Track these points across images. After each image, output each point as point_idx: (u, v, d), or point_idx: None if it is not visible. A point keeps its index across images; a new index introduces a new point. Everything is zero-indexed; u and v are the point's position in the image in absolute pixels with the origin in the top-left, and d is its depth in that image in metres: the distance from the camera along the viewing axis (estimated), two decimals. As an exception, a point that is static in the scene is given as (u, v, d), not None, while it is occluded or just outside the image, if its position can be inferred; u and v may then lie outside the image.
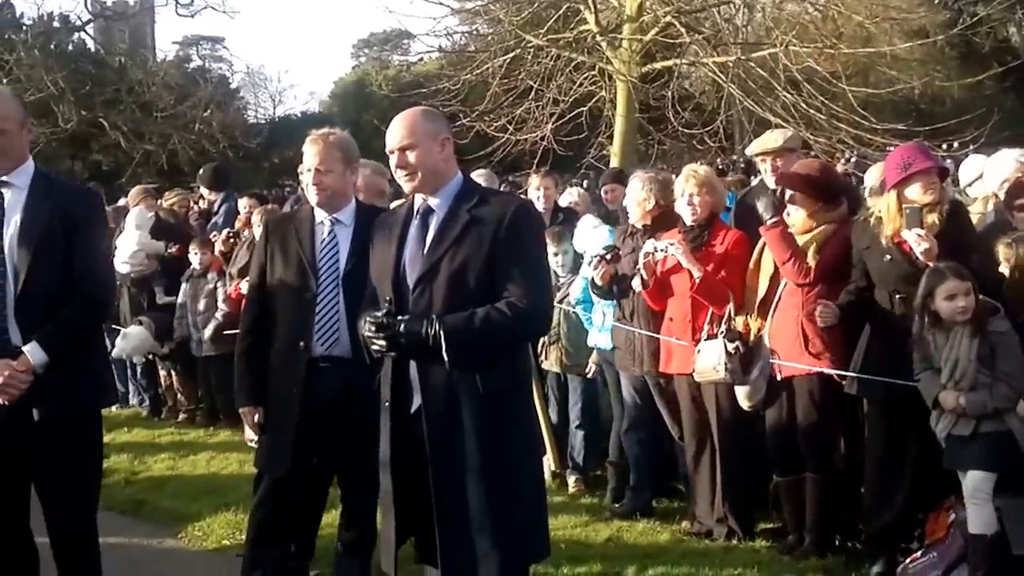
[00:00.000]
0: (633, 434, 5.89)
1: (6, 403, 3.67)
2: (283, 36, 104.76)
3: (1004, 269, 4.59)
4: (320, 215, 4.36)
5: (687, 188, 5.41)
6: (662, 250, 5.31)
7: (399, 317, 3.33)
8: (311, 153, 4.32)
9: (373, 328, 3.32)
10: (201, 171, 11.03)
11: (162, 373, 9.04)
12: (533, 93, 16.90)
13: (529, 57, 17.14)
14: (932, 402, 4.41)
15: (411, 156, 3.45)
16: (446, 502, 3.33)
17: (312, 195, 4.34)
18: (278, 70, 73.24)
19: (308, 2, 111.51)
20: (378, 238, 3.68)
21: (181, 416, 8.76)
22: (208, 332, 8.17)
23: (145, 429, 8.43)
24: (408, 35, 42.40)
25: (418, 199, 3.54)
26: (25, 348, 3.70)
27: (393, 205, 7.39)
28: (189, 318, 8.44)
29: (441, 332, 3.26)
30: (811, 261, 4.94)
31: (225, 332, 8.03)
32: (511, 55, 17.01)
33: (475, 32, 22.18)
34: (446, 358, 3.27)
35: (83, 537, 3.94)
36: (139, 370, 9.19)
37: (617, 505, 5.87)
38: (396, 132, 3.50)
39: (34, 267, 3.73)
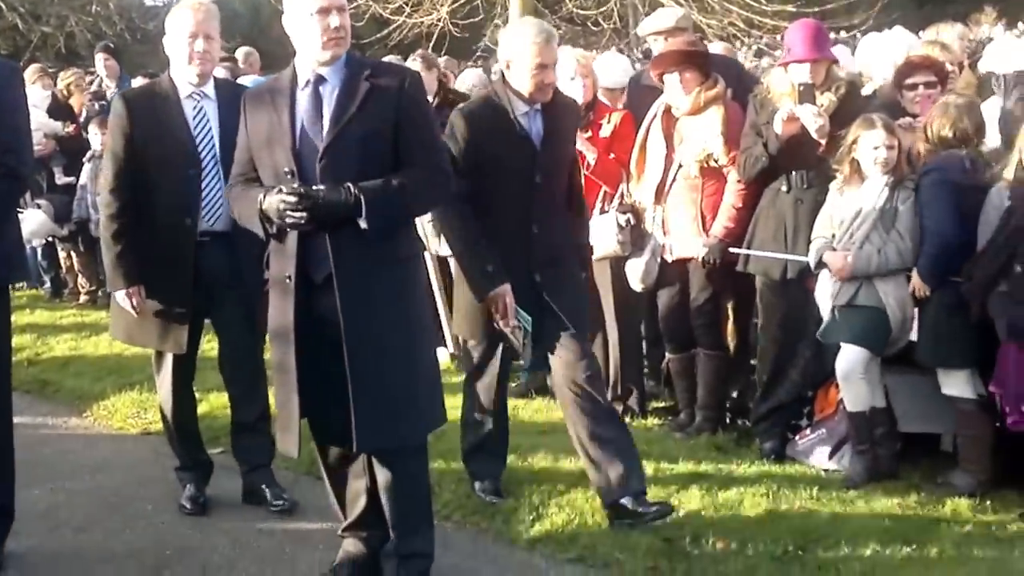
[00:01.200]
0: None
1: None
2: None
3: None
4: (187, 89, 4.17)
5: (575, 69, 5.32)
6: None
7: (316, 188, 3.25)
8: (196, 20, 4.13)
9: (292, 199, 3.21)
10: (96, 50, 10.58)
11: (62, 255, 8.83)
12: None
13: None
14: (816, 263, 4.48)
15: (346, 17, 3.35)
16: (360, 371, 3.29)
17: (195, 66, 4.15)
18: (178, -48, 69.31)
19: None
20: (255, 110, 3.50)
21: (83, 298, 8.60)
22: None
23: (47, 311, 8.30)
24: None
25: (304, 70, 3.39)
26: None
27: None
28: (89, 199, 8.12)
29: (361, 199, 3.21)
30: (721, 145, 4.93)
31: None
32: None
33: None
34: (364, 225, 3.23)
35: None
36: (39, 252, 8.94)
37: (513, 385, 5.88)
38: None
39: None
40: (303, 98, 3.38)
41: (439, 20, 15.95)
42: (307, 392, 3.39)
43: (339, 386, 3.30)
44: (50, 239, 8.64)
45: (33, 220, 8.20)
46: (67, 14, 27.39)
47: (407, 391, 3.37)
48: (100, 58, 9.89)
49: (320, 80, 3.37)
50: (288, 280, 3.37)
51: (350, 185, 3.23)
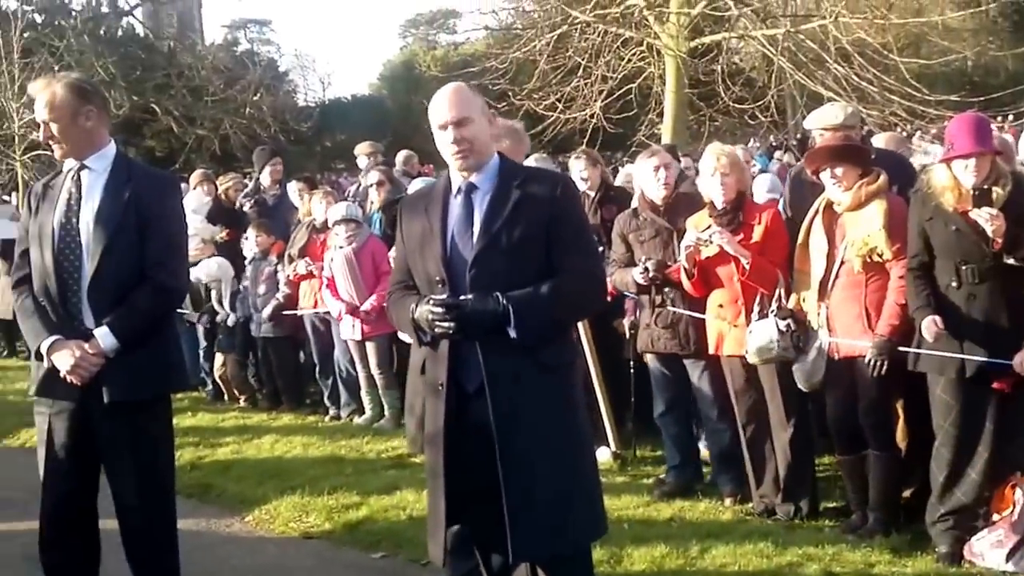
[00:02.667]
0: (669, 415, 5.90)
1: (77, 384, 3.73)
2: (330, 17, 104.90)
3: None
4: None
5: (717, 165, 5.33)
6: (706, 240, 5.25)
7: (463, 297, 3.30)
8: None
9: (439, 310, 3.27)
10: (256, 152, 10.91)
11: (218, 360, 9.05)
12: (581, 70, 16.79)
13: (576, 34, 17.02)
14: None
15: (466, 130, 3.37)
16: (513, 476, 3.29)
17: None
18: (326, 52, 73.54)
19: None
20: (410, 217, 3.60)
21: (243, 401, 8.83)
22: (267, 312, 8.26)
23: (209, 414, 8.46)
24: (454, 14, 42.63)
25: (456, 177, 3.46)
26: (96, 332, 3.74)
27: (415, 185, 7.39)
28: (250, 300, 8.54)
29: (510, 308, 3.23)
30: (884, 239, 4.85)
31: (284, 313, 8.20)
32: (558, 32, 16.92)
33: (521, 10, 22.11)
34: (514, 335, 3.24)
35: (158, 520, 3.95)
36: (202, 355, 9.27)
37: (664, 485, 5.85)
38: (446, 106, 3.39)
39: (108, 250, 3.78)
40: (455, 206, 3.44)
41: (592, 115, 16.20)
42: (461, 499, 3.40)
43: (495, 494, 3.30)
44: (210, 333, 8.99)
45: (208, 266, 8.65)
46: (221, 117, 28.77)
47: (563, 500, 3.33)
48: (272, 163, 9.96)
49: (472, 188, 3.43)
50: (440, 387, 3.41)
51: (499, 294, 3.25)
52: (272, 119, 28.62)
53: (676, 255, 5.51)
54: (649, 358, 5.95)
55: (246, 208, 9.60)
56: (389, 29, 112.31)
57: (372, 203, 8.46)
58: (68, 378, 3.77)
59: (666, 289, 5.68)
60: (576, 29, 16.93)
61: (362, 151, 10.72)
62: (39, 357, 3.83)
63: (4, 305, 11.82)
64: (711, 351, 5.50)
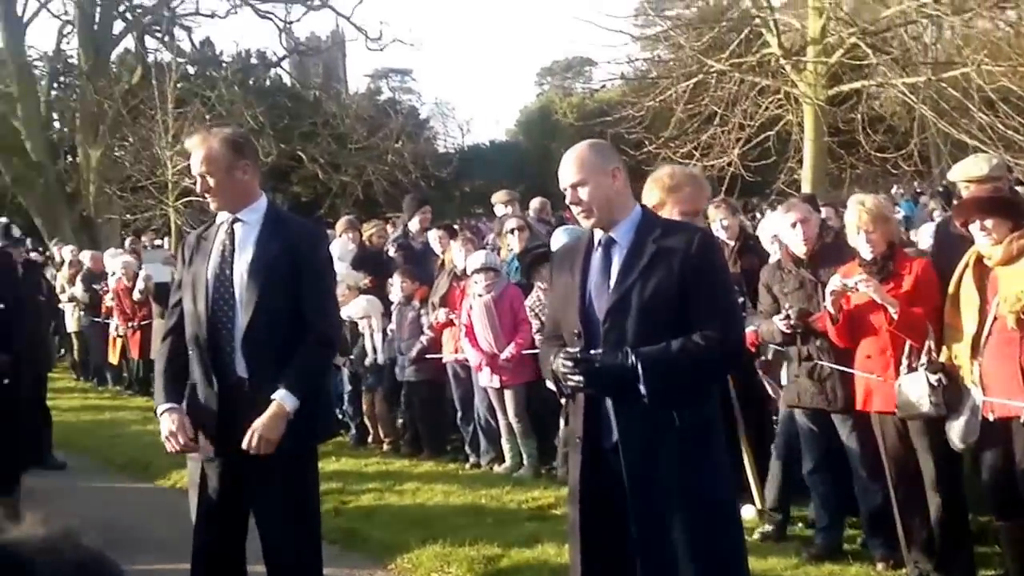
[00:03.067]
0: (818, 474, 5.74)
1: (259, 451, 3.79)
2: (469, 65, 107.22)
3: None
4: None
5: (860, 223, 5.21)
6: (852, 287, 5.13)
7: (593, 351, 3.34)
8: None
9: (570, 363, 3.33)
10: (406, 200, 11.15)
11: (366, 400, 9.18)
12: (718, 118, 16.70)
13: (712, 82, 16.96)
14: None
15: (583, 192, 3.47)
16: (647, 537, 3.30)
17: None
18: (465, 99, 74.99)
19: (491, 31, 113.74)
20: (558, 270, 3.72)
21: (385, 446, 8.94)
22: (411, 355, 8.40)
23: (352, 458, 8.56)
24: (590, 62, 42.86)
25: (597, 231, 3.54)
26: (277, 396, 3.80)
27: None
28: (396, 344, 8.69)
29: (638, 365, 3.24)
30: None
31: (427, 357, 8.32)
32: (694, 80, 16.87)
33: (657, 58, 22.16)
34: (643, 391, 3.25)
35: (306, 567, 4.04)
36: (345, 398, 9.43)
37: (813, 547, 5.68)
38: (566, 169, 3.53)
39: (262, 301, 3.88)
40: (595, 260, 3.52)
41: (730, 163, 16.06)
42: (601, 556, 3.41)
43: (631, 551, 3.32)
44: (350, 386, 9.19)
45: (358, 303, 8.87)
46: (364, 163, 29.61)
47: (700, 562, 3.30)
48: (422, 211, 10.22)
49: (610, 242, 3.49)
50: (578, 441, 3.47)
51: (628, 350, 3.27)
52: (413, 165, 29.32)
53: (821, 307, 5.40)
54: (797, 413, 5.82)
55: (392, 253, 9.82)
56: (526, 76, 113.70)
57: (510, 250, 8.57)
58: (166, 444, 3.95)
59: (817, 341, 5.54)
60: (712, 77, 16.86)
61: (499, 199, 10.89)
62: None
63: (157, 348, 12.38)
64: (859, 407, 5.35)
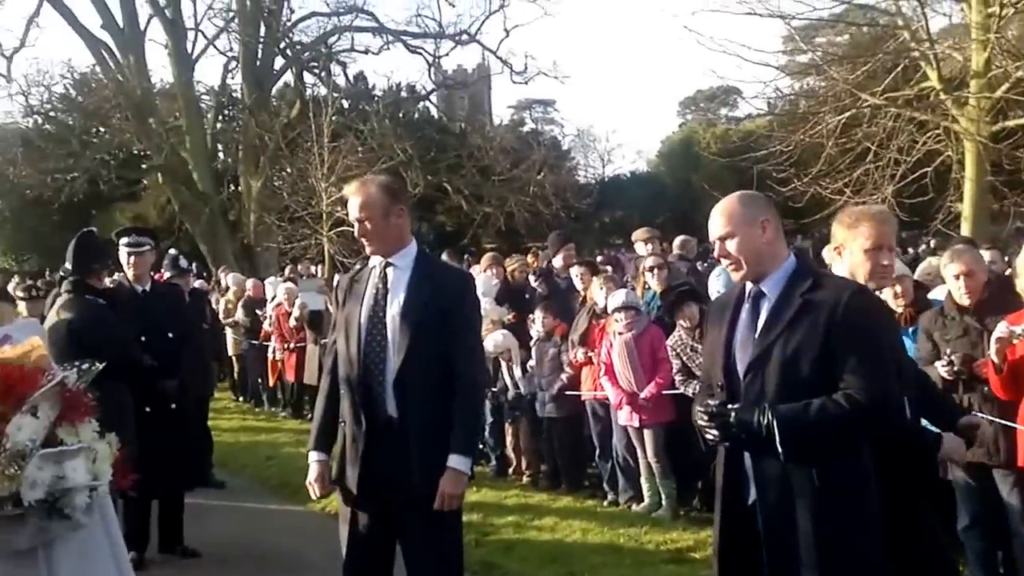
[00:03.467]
0: (974, 530, 5.53)
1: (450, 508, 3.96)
2: (610, 96, 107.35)
3: None
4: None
5: None
6: (1020, 335, 4.93)
7: (730, 406, 3.31)
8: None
9: (705, 417, 3.32)
10: (551, 236, 11.21)
11: (509, 435, 9.26)
12: (872, 154, 16.13)
13: (866, 116, 16.44)
14: None
15: (731, 246, 3.45)
16: None
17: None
18: (606, 130, 75.35)
19: (634, 62, 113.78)
20: (710, 321, 3.71)
21: (525, 478, 8.97)
22: (552, 391, 8.47)
23: (492, 490, 8.60)
24: (735, 91, 42.43)
25: (749, 283, 3.50)
26: (452, 463, 3.93)
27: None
28: (536, 380, 8.77)
29: (775, 422, 3.18)
30: None
31: (567, 394, 8.38)
32: (846, 115, 16.37)
33: (806, 88, 21.72)
34: (779, 449, 3.19)
35: None
36: (487, 429, 9.47)
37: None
38: (715, 222, 3.51)
39: (413, 344, 3.99)
40: (744, 312, 3.49)
41: (884, 200, 15.45)
42: None
43: None
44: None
45: (495, 337, 8.99)
46: (507, 195, 29.98)
47: None
48: (567, 248, 10.28)
49: (759, 295, 3.46)
50: (719, 494, 3.46)
51: (766, 406, 3.22)
52: (554, 196, 29.55)
53: (985, 355, 5.19)
54: (953, 467, 5.63)
55: (537, 288, 9.93)
56: (668, 106, 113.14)
57: (647, 288, 8.57)
58: (309, 489, 4.19)
59: (979, 392, 5.35)
60: (866, 112, 16.31)
61: (639, 237, 10.88)
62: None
63: (311, 372, 12.83)
64: (1021, 462, 5.15)
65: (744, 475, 3.39)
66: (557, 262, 10.13)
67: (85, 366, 2.73)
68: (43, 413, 2.64)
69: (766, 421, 3.19)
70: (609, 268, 12.44)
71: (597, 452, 8.36)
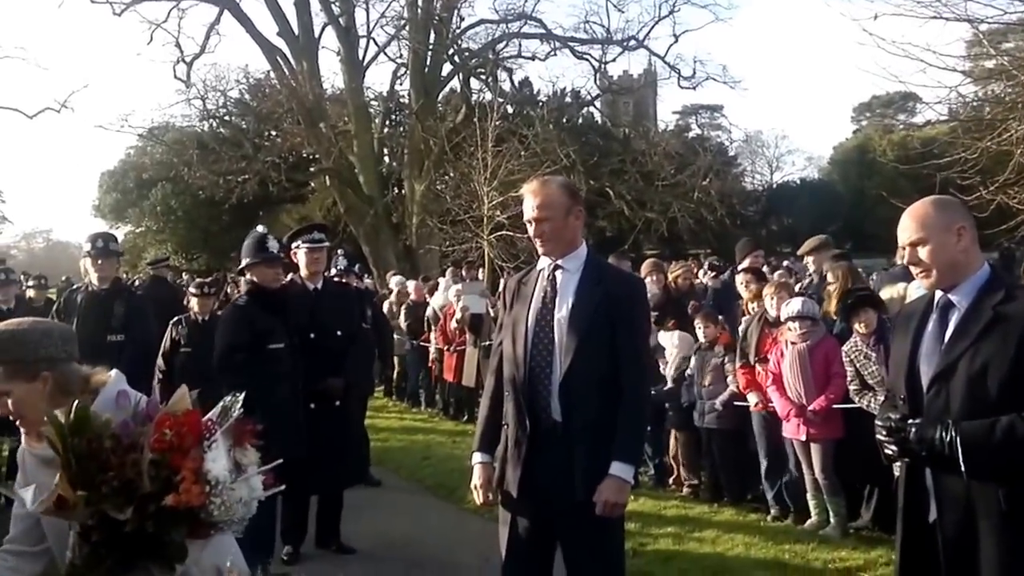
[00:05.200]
0: None
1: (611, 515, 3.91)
2: (781, 101, 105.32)
3: None
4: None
5: None
6: None
7: (911, 420, 3.17)
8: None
9: (885, 431, 3.21)
10: (740, 243, 10.94)
11: (672, 442, 9.10)
12: (1063, 162, 15.27)
13: (1058, 125, 15.55)
14: None
15: (922, 252, 3.31)
16: None
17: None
18: (775, 135, 73.60)
19: (806, 67, 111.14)
20: (897, 331, 3.56)
21: (685, 489, 8.82)
22: (719, 401, 8.28)
23: (651, 499, 8.48)
24: (914, 97, 40.93)
25: (937, 293, 3.36)
26: (615, 471, 3.86)
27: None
28: (695, 389, 8.63)
29: (957, 439, 3.03)
30: None
31: (735, 404, 8.19)
32: (1037, 120, 15.52)
33: (992, 96, 20.73)
34: (962, 468, 3.04)
35: None
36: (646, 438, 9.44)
37: None
38: (905, 226, 3.36)
39: (581, 350, 3.94)
40: (931, 323, 3.35)
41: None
42: None
43: None
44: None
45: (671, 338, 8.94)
46: (670, 200, 29.82)
47: None
48: (755, 254, 10.13)
49: (949, 304, 3.32)
50: (900, 513, 3.34)
51: (950, 422, 3.08)
52: (719, 203, 29.17)
53: None
54: None
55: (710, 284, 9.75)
56: (842, 113, 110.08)
57: (824, 300, 8.26)
58: (474, 494, 4.17)
59: None
60: (1058, 119, 15.45)
61: (811, 247, 10.56)
62: None
63: (468, 374, 13.01)
64: None
65: (926, 493, 3.26)
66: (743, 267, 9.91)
67: (230, 399, 2.92)
68: (223, 444, 2.82)
69: (949, 438, 3.06)
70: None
71: (764, 467, 8.11)
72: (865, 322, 7.06)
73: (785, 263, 22.60)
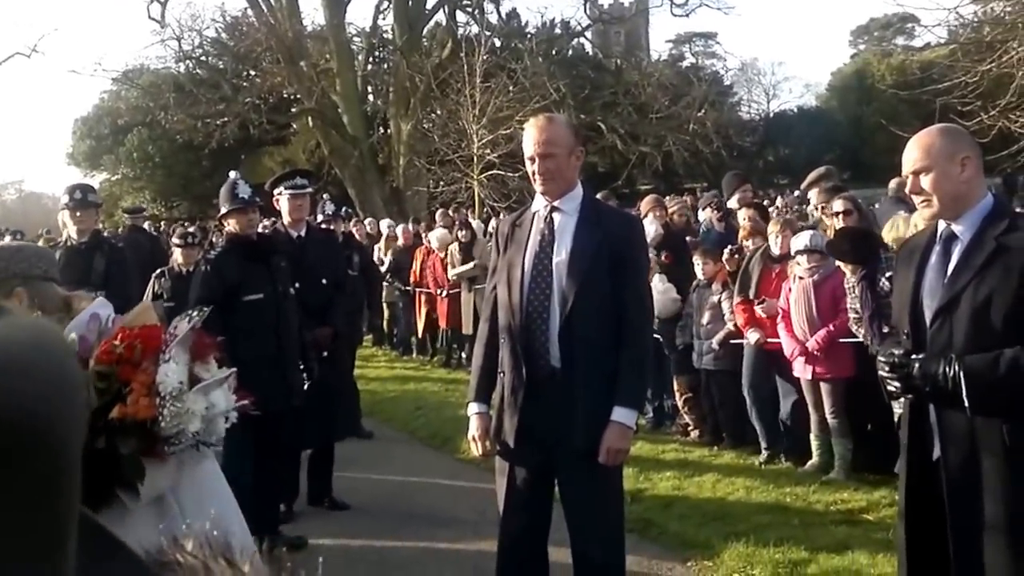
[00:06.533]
0: None
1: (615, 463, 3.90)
2: (777, 26, 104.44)
3: None
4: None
5: None
6: None
7: (914, 356, 3.17)
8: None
9: (887, 367, 3.21)
10: (726, 177, 10.83)
11: (676, 386, 9.00)
12: (1067, 84, 15.17)
13: (1062, 41, 15.44)
14: None
15: (924, 181, 3.29)
16: (964, 563, 3.13)
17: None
18: (772, 63, 73.05)
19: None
20: (900, 266, 3.54)
21: (693, 433, 8.74)
22: (715, 340, 8.23)
23: (648, 443, 8.43)
24: (913, 18, 40.65)
25: (940, 223, 3.35)
26: (618, 416, 3.84)
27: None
28: (693, 328, 8.57)
29: (961, 374, 3.04)
30: None
31: (732, 342, 8.15)
32: (1039, 41, 15.40)
33: (993, 16, 20.53)
34: (966, 403, 3.05)
35: (611, 559, 4.04)
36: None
37: None
38: (910, 154, 3.35)
39: (580, 294, 3.88)
40: (934, 256, 3.34)
41: None
42: (924, 571, 3.29)
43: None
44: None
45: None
46: (665, 134, 29.67)
47: None
48: (743, 188, 9.97)
49: (951, 237, 3.31)
50: (904, 451, 3.35)
51: (953, 357, 3.08)
52: (715, 135, 29.03)
53: None
54: None
55: (715, 228, 9.69)
56: (840, 37, 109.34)
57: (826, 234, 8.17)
58: (471, 445, 4.14)
59: None
60: (1061, 39, 15.33)
61: (814, 178, 10.44)
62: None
63: (467, 320, 12.94)
64: None
65: (930, 430, 3.28)
66: (732, 203, 9.82)
67: (195, 313, 2.90)
68: (180, 358, 2.79)
69: (952, 372, 3.06)
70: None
71: (753, 406, 7.97)
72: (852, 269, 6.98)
73: (778, 200, 22.56)
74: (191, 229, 11.19)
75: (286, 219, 7.07)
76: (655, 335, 8.64)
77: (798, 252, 7.38)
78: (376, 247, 15.78)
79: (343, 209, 17.15)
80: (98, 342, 2.77)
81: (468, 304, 12.85)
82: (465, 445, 8.19)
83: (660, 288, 8.90)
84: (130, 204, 26.53)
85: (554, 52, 34.38)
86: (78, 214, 7.42)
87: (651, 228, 9.71)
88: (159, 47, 32.56)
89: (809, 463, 7.46)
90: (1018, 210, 4.30)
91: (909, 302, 3.34)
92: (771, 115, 46.88)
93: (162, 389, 2.72)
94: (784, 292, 7.55)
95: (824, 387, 7.28)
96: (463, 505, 6.92)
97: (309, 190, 7.17)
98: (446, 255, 13.59)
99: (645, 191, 29.94)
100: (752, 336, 7.83)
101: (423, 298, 14.17)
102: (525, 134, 4.12)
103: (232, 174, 6.46)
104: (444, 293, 13.48)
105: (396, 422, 10.36)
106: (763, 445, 7.94)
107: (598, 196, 10.50)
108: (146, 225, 21.15)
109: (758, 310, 7.77)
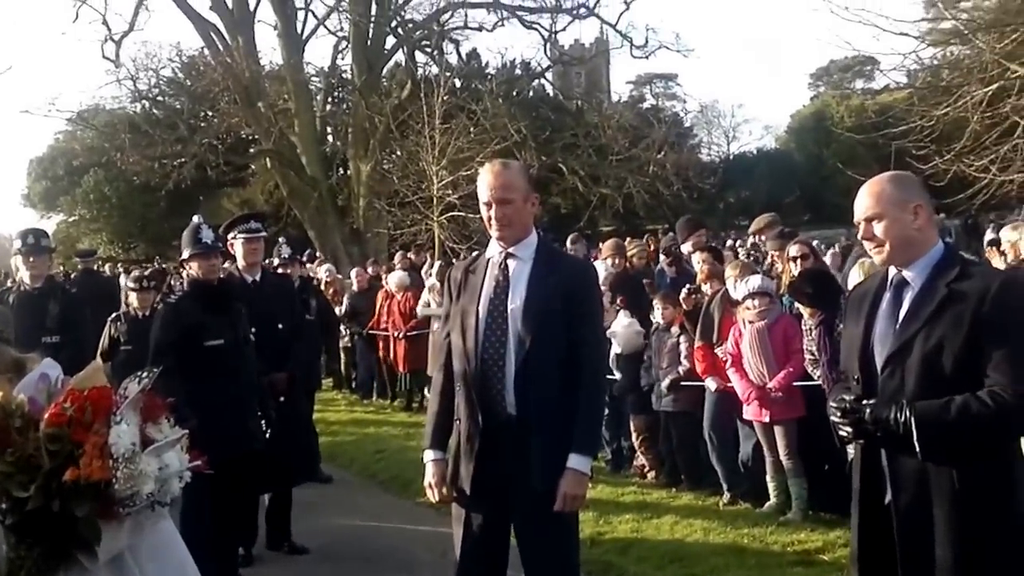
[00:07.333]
0: None
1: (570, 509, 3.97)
2: (737, 68, 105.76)
3: None
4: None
5: None
6: None
7: (865, 401, 3.24)
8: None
9: (838, 413, 3.28)
10: (680, 222, 11.00)
11: (633, 427, 9.09)
12: (1021, 128, 15.52)
13: (1015, 88, 15.76)
14: None
15: (877, 228, 3.36)
16: None
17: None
18: (732, 104, 73.94)
19: (761, 33, 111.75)
20: (850, 311, 3.61)
21: (650, 476, 8.82)
22: (665, 383, 8.36)
23: (608, 486, 8.55)
24: (872, 61, 41.33)
25: (891, 270, 3.42)
26: (573, 463, 3.91)
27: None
28: (653, 372, 8.66)
29: (912, 420, 3.11)
30: None
31: (683, 385, 8.26)
32: (993, 86, 15.74)
33: (950, 60, 21.02)
34: (917, 448, 3.12)
35: None
36: (604, 422, 9.48)
37: None
38: (862, 202, 3.42)
39: (536, 341, 3.95)
40: (885, 302, 3.40)
41: (1034, 176, 14.84)
42: None
43: None
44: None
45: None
46: (625, 175, 29.89)
47: None
48: (698, 233, 10.13)
49: (903, 283, 3.37)
50: (855, 492, 3.42)
51: (904, 403, 3.15)
52: (675, 176, 29.29)
53: None
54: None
55: (667, 273, 9.84)
56: (799, 80, 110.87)
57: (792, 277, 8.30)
58: (427, 492, 4.19)
59: None
60: (1015, 84, 15.70)
61: (759, 226, 10.56)
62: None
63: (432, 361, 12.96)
64: None
65: (881, 474, 3.34)
66: (686, 248, 9.99)
67: (145, 374, 2.95)
68: (131, 419, 2.85)
69: (904, 418, 3.13)
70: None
71: (713, 450, 8.11)
72: (810, 313, 7.18)
73: (728, 242, 22.80)
74: (147, 272, 11.16)
75: (240, 264, 7.13)
76: (616, 372, 8.84)
77: (747, 296, 7.54)
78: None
79: (306, 251, 17.17)
80: (48, 403, 2.82)
81: (435, 345, 12.89)
82: (423, 488, 8.28)
83: (624, 323, 9.04)
84: (85, 247, 26.35)
85: (515, 93, 34.64)
86: (31, 259, 7.45)
87: (601, 268, 9.86)
88: (114, 87, 32.30)
89: (767, 504, 7.59)
90: (969, 257, 4.42)
91: (859, 347, 3.41)
92: (731, 157, 47.54)
93: (115, 451, 2.73)
94: (734, 336, 7.71)
95: (777, 429, 7.43)
96: (422, 548, 6.96)
97: (263, 234, 7.23)
98: (403, 298, 13.66)
99: (607, 232, 30.16)
100: (711, 384, 7.97)
101: (381, 343, 14.21)
102: (480, 179, 4.17)
103: (196, 218, 6.51)
104: (401, 335, 13.52)
105: (356, 466, 10.38)
106: (724, 487, 8.05)
107: (571, 236, 10.66)
108: (106, 268, 20.97)
109: (719, 352, 7.91)
